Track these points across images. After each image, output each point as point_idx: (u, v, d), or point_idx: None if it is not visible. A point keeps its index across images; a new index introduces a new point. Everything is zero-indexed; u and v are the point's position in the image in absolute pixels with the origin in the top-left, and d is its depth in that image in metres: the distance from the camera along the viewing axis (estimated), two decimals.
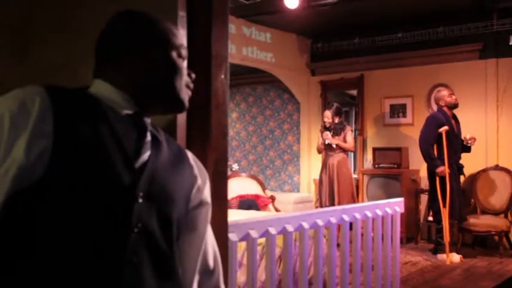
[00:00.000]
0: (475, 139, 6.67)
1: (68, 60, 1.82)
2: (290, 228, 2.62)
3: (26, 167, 1.12)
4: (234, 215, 4.85)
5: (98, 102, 1.26)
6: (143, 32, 1.33)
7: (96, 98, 1.27)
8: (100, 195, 1.17)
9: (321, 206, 7.24)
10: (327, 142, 7.29)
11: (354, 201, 7.13)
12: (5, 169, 1.12)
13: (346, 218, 3.04)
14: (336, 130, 7.30)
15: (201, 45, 1.72)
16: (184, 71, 1.35)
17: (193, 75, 1.38)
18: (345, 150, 7.29)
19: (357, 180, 8.23)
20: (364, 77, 8.59)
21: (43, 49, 1.89)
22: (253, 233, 2.40)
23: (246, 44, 7.94)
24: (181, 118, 1.72)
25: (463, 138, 6.68)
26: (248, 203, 6.76)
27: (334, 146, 7.22)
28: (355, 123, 9.21)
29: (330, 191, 7.18)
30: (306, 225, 2.72)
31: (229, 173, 9.34)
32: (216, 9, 1.74)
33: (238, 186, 7.52)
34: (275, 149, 9.85)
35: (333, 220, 2.94)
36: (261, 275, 2.87)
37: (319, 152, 7.64)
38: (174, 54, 1.33)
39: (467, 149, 6.71)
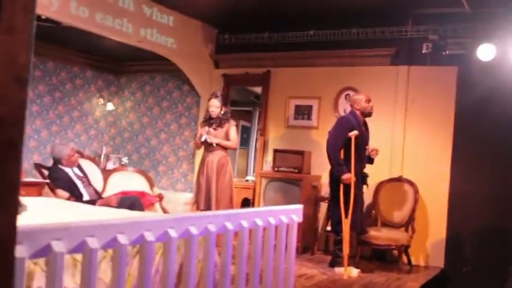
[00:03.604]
0: (377, 151, 6.26)
1: None
2: (151, 237, 1.94)
3: None
4: (108, 215, 4.11)
5: None
6: None
7: None
8: None
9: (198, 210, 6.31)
10: (203, 138, 6.31)
11: (231, 208, 6.32)
12: None
13: (230, 226, 2.39)
14: (221, 121, 6.38)
15: None
16: None
17: None
18: (225, 148, 6.40)
19: (254, 183, 7.66)
20: (270, 73, 8.04)
21: None
22: (92, 242, 1.70)
23: (145, 25, 7.17)
24: None
25: (366, 148, 6.25)
26: (131, 200, 5.97)
27: (214, 144, 6.31)
28: (257, 123, 8.65)
29: (207, 194, 6.26)
30: (173, 233, 2.04)
31: (116, 165, 8.55)
32: None
33: (123, 181, 6.81)
34: (170, 144, 9.12)
35: (212, 228, 2.28)
36: None
37: (198, 147, 6.72)
38: None
39: (370, 161, 6.30)
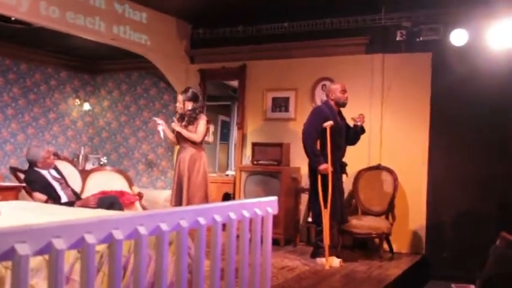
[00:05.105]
0: (363, 116, 6.20)
1: None
2: (119, 235, 1.92)
3: None
4: (85, 216, 4.07)
5: None
6: None
7: None
8: None
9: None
10: (159, 130, 6.15)
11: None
12: None
13: (202, 221, 2.37)
14: (189, 118, 6.12)
15: None
16: None
17: None
18: (195, 144, 6.09)
19: (234, 178, 7.64)
20: (246, 67, 8.02)
21: None
22: (58, 243, 1.68)
23: (117, 23, 7.10)
24: None
25: (351, 119, 6.20)
26: (110, 200, 5.92)
27: (184, 135, 6.06)
28: (237, 117, 8.63)
29: (179, 192, 6.06)
30: (143, 230, 2.03)
31: (95, 166, 8.48)
32: None
33: (102, 181, 6.76)
34: (149, 141, 9.07)
35: (184, 224, 2.26)
36: None
37: (172, 144, 6.63)
38: None
39: (362, 131, 6.23)
